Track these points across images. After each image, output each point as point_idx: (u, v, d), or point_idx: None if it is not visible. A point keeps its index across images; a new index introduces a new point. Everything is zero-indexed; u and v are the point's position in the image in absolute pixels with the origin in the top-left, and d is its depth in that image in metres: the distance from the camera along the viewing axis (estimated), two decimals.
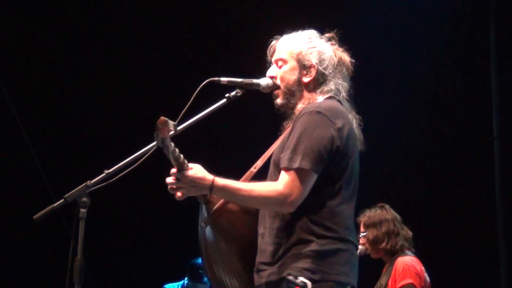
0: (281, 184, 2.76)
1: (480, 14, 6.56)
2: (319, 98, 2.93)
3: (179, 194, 2.73)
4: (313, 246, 2.77)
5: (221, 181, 2.76)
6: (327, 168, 2.80)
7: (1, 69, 6.45)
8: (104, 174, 2.76)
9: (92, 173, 2.85)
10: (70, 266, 2.66)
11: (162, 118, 2.56)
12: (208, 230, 2.88)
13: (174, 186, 2.72)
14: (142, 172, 3.08)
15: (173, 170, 2.72)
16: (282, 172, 2.79)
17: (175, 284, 6.32)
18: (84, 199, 2.69)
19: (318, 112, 2.82)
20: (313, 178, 2.77)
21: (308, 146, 2.76)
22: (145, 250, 7.18)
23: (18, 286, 6.95)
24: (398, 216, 4.90)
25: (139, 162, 2.83)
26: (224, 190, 2.76)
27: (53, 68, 7.02)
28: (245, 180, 2.97)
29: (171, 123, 2.58)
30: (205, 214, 2.89)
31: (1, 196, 6.87)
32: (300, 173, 2.75)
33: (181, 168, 2.71)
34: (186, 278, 6.24)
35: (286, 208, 2.78)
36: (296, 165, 2.75)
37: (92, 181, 2.73)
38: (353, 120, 2.98)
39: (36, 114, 6.92)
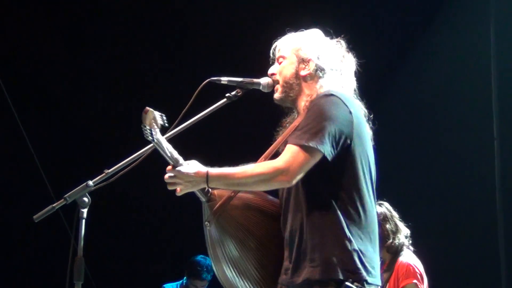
0: (280, 160, 2.74)
1: (480, 14, 6.55)
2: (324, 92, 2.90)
3: (177, 190, 2.76)
4: (350, 246, 2.74)
5: (215, 170, 2.77)
6: (347, 159, 2.76)
7: (1, 69, 6.44)
8: (104, 174, 2.76)
9: (92, 173, 2.84)
10: (70, 266, 2.66)
11: (146, 108, 2.59)
12: (213, 229, 2.88)
13: (171, 182, 2.75)
14: (142, 172, 3.07)
15: (169, 167, 2.74)
16: (285, 148, 2.76)
17: (174, 284, 6.32)
18: (84, 199, 2.69)
19: (332, 94, 2.81)
20: (318, 156, 2.72)
21: (321, 126, 2.72)
22: (144, 250, 7.18)
23: (18, 286, 6.94)
24: (396, 214, 4.91)
25: (138, 161, 2.84)
26: (220, 178, 2.77)
27: (53, 68, 7.01)
28: None
29: (157, 114, 2.60)
30: (208, 213, 2.89)
31: (1, 196, 6.87)
32: (305, 149, 2.71)
33: (176, 165, 2.73)
34: (184, 278, 6.23)
35: (282, 181, 2.73)
36: (302, 142, 2.71)
37: (92, 181, 2.73)
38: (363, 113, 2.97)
39: (36, 114, 6.91)
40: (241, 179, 2.76)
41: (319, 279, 2.74)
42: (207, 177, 2.75)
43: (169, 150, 2.70)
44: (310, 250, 2.77)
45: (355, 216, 2.77)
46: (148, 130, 2.59)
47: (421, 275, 4.70)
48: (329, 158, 2.72)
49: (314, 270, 2.75)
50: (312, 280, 2.75)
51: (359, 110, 2.88)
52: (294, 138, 2.76)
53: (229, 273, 2.91)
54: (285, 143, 2.87)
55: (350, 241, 2.74)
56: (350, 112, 2.78)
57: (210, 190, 2.89)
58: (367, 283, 2.75)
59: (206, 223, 2.89)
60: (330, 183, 2.78)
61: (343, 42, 3.05)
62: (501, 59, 6.47)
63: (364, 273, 2.74)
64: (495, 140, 6.44)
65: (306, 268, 2.77)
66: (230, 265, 2.90)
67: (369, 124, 2.98)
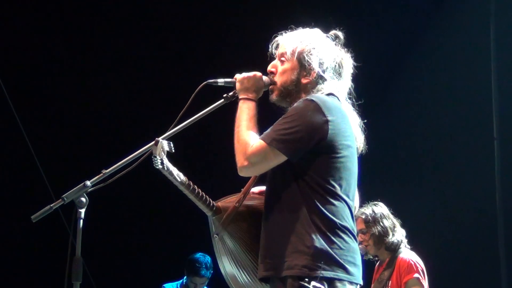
0: (253, 147, 2.78)
1: (480, 14, 6.56)
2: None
3: None
4: (310, 242, 2.72)
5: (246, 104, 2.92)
6: (315, 162, 2.78)
7: (1, 69, 6.44)
8: (102, 174, 2.76)
9: (92, 173, 2.84)
10: (69, 266, 2.66)
11: (156, 139, 2.71)
12: (222, 240, 2.93)
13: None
14: (141, 172, 3.07)
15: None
16: (259, 140, 2.80)
17: (174, 283, 6.32)
18: (82, 199, 2.68)
19: (312, 100, 2.81)
20: (280, 159, 2.77)
21: (289, 128, 2.76)
22: (144, 250, 7.18)
23: (18, 286, 6.94)
24: (390, 213, 4.95)
25: (137, 162, 2.84)
26: (242, 109, 2.91)
27: (53, 68, 7.02)
28: (250, 184, 2.99)
29: (165, 143, 2.72)
30: (215, 226, 2.93)
31: (1, 196, 6.87)
32: (269, 149, 2.76)
33: (184, 184, 2.85)
34: (184, 277, 6.24)
35: (239, 167, 2.80)
36: (267, 141, 2.77)
37: (90, 181, 2.72)
38: (352, 119, 2.95)
39: (36, 114, 6.92)
40: (236, 133, 2.86)
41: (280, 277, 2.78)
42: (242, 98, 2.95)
43: (175, 173, 2.79)
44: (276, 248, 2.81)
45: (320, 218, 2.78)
46: (159, 160, 2.71)
47: (422, 270, 4.73)
48: (293, 161, 2.78)
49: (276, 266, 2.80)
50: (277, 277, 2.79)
51: (342, 118, 2.85)
52: (267, 134, 2.81)
53: (241, 280, 2.94)
54: None
55: (313, 239, 2.75)
56: (327, 121, 2.77)
57: (214, 203, 2.95)
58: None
59: (214, 235, 2.93)
60: (297, 186, 2.80)
61: (341, 37, 3.04)
62: (501, 59, 6.48)
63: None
64: (495, 140, 6.44)
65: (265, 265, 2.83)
66: (241, 272, 2.93)
67: (362, 128, 2.99)
